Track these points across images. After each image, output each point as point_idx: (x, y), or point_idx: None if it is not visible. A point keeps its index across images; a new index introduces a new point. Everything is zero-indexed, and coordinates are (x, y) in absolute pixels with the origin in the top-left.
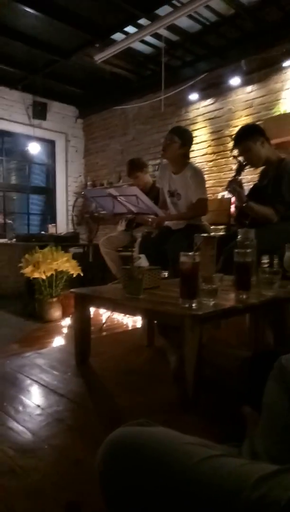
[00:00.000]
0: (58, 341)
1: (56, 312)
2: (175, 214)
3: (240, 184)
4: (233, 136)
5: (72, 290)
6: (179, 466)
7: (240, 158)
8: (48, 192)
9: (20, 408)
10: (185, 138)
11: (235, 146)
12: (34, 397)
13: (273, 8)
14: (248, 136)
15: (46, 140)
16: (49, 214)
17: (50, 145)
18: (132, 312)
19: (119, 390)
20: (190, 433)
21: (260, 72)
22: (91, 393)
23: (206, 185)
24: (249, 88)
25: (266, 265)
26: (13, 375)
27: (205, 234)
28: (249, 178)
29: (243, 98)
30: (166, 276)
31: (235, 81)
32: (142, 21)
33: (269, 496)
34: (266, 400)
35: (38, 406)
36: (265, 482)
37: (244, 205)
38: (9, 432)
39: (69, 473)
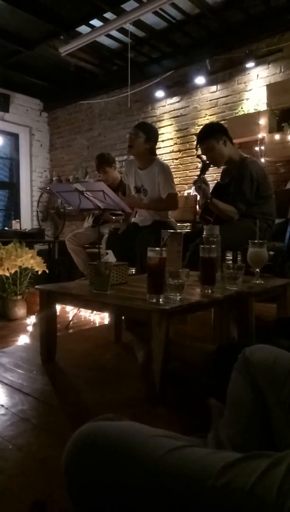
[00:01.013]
0: (23, 340)
1: (20, 310)
2: (147, 203)
3: (205, 181)
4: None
5: (37, 286)
6: (146, 459)
7: (204, 157)
8: (11, 186)
9: None
10: (150, 133)
11: (198, 144)
12: None
13: (237, 10)
14: (211, 135)
15: (9, 133)
16: (13, 209)
17: (13, 138)
18: (99, 308)
19: (86, 387)
20: (158, 427)
21: (225, 72)
22: (58, 391)
23: None
24: (213, 88)
25: (229, 261)
26: None
27: (171, 230)
28: (215, 176)
29: (208, 97)
30: (133, 272)
31: (200, 80)
32: (108, 15)
33: (233, 483)
34: (230, 391)
35: (2, 405)
36: (229, 469)
37: (209, 201)
38: None
39: (35, 472)
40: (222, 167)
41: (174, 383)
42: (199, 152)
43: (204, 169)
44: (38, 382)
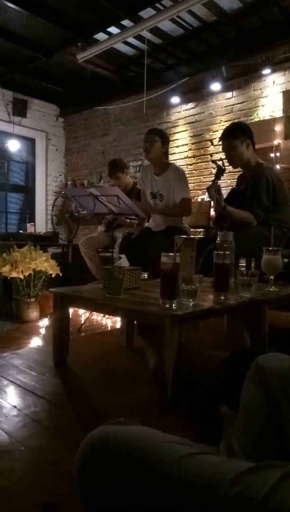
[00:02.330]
0: (36, 342)
1: (33, 313)
2: (160, 209)
3: (218, 190)
4: (213, 139)
5: (51, 289)
6: (159, 464)
7: (220, 163)
8: (27, 190)
9: None
10: (164, 136)
11: (221, 140)
12: (11, 398)
13: (254, 17)
14: (236, 135)
15: (26, 138)
16: (28, 213)
17: (30, 143)
18: (112, 312)
19: (98, 391)
20: (169, 433)
21: (240, 78)
22: (69, 394)
23: None
24: (229, 94)
25: (243, 267)
26: None
27: (185, 236)
28: (229, 182)
29: (223, 104)
30: (145, 277)
31: (215, 86)
32: (125, 23)
33: (246, 492)
34: (243, 400)
35: (15, 407)
36: (242, 478)
37: (222, 210)
38: None
39: (46, 474)
40: (237, 173)
41: (186, 389)
42: (216, 157)
43: (218, 174)
44: (51, 385)
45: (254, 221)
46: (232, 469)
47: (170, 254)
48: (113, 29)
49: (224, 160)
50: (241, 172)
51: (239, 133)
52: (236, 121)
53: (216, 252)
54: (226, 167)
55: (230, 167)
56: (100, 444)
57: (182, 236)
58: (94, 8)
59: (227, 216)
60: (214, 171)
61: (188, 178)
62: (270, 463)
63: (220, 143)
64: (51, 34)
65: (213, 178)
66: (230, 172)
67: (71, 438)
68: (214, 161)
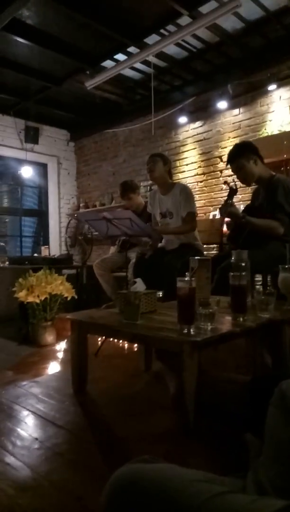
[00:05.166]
0: (54, 367)
1: (50, 336)
2: (171, 228)
3: (232, 205)
4: (222, 156)
5: (68, 316)
6: (188, 505)
7: (232, 184)
8: (40, 214)
9: (18, 442)
10: (165, 158)
11: (228, 164)
12: (32, 429)
13: (256, 36)
14: (241, 154)
15: (38, 164)
16: (41, 236)
17: (42, 168)
18: (130, 338)
19: (118, 418)
20: (192, 463)
21: (247, 95)
22: (90, 423)
23: (197, 205)
24: (236, 111)
25: (259, 284)
26: (9, 406)
27: (199, 257)
28: (240, 197)
29: (231, 121)
30: (160, 295)
31: (222, 104)
32: (131, 49)
33: None
34: (268, 428)
35: (36, 439)
36: None
37: (242, 220)
38: (7, 468)
39: (71, 510)
40: (251, 188)
41: (208, 415)
42: (228, 179)
43: (231, 195)
44: (71, 414)
45: (280, 227)
46: (262, 509)
47: (186, 278)
48: (119, 56)
49: (236, 181)
50: (255, 187)
51: (242, 152)
52: (239, 139)
53: (232, 273)
54: (238, 188)
55: (239, 185)
56: (127, 484)
57: (197, 257)
58: (101, 37)
59: (243, 231)
60: (225, 187)
61: (198, 195)
62: None
63: (228, 166)
64: (60, 64)
65: (226, 199)
66: (240, 187)
67: (93, 471)
68: (226, 182)
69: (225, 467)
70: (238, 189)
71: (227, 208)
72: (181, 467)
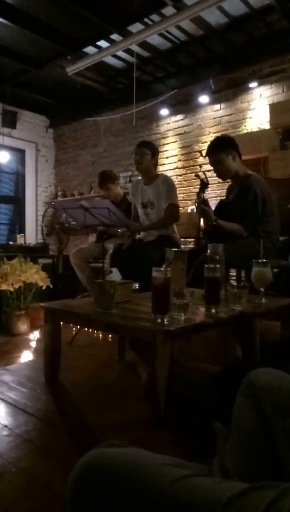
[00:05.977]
0: (26, 356)
1: (23, 325)
2: (148, 224)
3: (206, 203)
4: (202, 151)
5: (42, 304)
6: (154, 487)
7: (202, 176)
8: (17, 201)
9: None
10: (154, 149)
11: (207, 155)
12: (1, 417)
13: (239, 32)
14: (222, 149)
15: (16, 149)
16: (17, 224)
17: (20, 154)
18: (104, 327)
19: (90, 407)
20: (162, 450)
21: (228, 91)
22: (62, 412)
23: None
24: (217, 106)
25: (233, 278)
26: None
27: (175, 249)
28: (219, 193)
29: (211, 116)
30: (137, 287)
31: (203, 99)
32: (115, 37)
33: None
34: (235, 416)
35: (6, 426)
36: (236, 501)
37: (213, 223)
38: None
39: (38, 497)
40: (226, 183)
41: (178, 403)
42: (199, 173)
43: (202, 188)
44: (42, 402)
45: (244, 233)
46: (226, 491)
47: (161, 268)
48: (102, 43)
49: (206, 173)
50: (230, 183)
51: (223, 146)
52: (220, 134)
53: (206, 265)
54: (209, 181)
55: (216, 180)
56: (93, 468)
57: (173, 249)
58: (84, 22)
59: (217, 230)
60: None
61: (178, 189)
62: (262, 484)
63: (207, 158)
64: (40, 47)
65: (197, 192)
66: (219, 183)
67: (63, 458)
68: (197, 176)
69: (194, 454)
70: (216, 182)
71: (201, 205)
72: (149, 451)
